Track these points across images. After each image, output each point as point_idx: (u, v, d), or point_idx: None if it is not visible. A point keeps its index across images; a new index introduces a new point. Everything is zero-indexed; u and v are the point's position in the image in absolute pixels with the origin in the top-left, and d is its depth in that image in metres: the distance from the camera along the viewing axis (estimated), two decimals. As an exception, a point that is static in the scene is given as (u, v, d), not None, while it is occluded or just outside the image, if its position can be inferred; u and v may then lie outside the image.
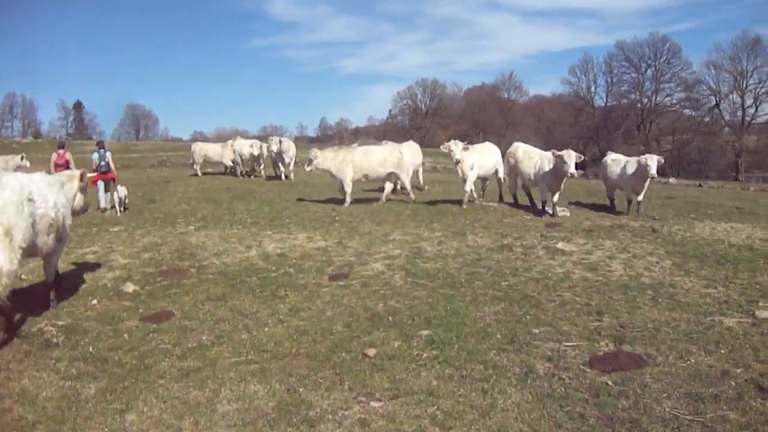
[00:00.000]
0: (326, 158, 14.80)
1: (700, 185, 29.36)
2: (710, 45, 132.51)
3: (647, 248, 9.53)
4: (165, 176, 25.16)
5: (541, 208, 13.46)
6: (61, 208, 6.49)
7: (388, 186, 15.16)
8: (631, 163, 13.64)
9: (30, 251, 6.02)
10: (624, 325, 5.90)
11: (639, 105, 66.49)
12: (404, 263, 8.59)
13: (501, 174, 15.15)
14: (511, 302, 6.70)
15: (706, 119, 61.67)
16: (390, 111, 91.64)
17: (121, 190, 14.05)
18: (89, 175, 7.63)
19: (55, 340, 5.73)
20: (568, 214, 13.40)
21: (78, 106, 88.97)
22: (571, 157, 12.16)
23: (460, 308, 6.50)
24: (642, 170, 13.03)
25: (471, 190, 14.41)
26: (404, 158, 14.96)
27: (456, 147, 13.60)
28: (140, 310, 6.65)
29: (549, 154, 12.99)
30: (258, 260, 8.90)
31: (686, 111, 64.72)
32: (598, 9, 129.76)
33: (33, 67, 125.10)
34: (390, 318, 6.28)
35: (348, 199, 14.58)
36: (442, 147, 14.22)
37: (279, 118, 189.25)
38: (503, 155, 15.09)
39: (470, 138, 64.03)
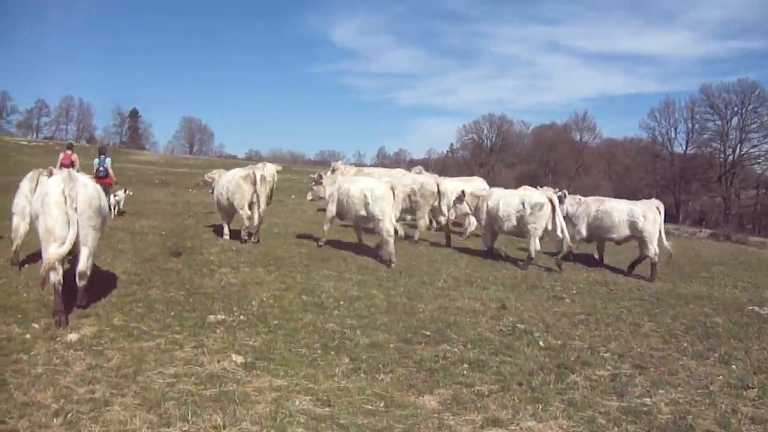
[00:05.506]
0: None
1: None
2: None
3: None
4: (209, 203, 15.70)
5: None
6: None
7: None
8: None
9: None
10: None
11: (722, 155, 59.40)
12: None
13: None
14: None
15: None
16: (452, 145, 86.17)
17: (119, 194, 14.40)
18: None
19: None
20: None
21: (134, 114, 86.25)
22: None
23: None
24: None
25: None
26: None
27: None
28: None
29: None
30: None
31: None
32: (658, 55, 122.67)
33: (94, 73, 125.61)
34: None
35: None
36: None
37: (337, 144, 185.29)
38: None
39: (539, 179, 58.18)
